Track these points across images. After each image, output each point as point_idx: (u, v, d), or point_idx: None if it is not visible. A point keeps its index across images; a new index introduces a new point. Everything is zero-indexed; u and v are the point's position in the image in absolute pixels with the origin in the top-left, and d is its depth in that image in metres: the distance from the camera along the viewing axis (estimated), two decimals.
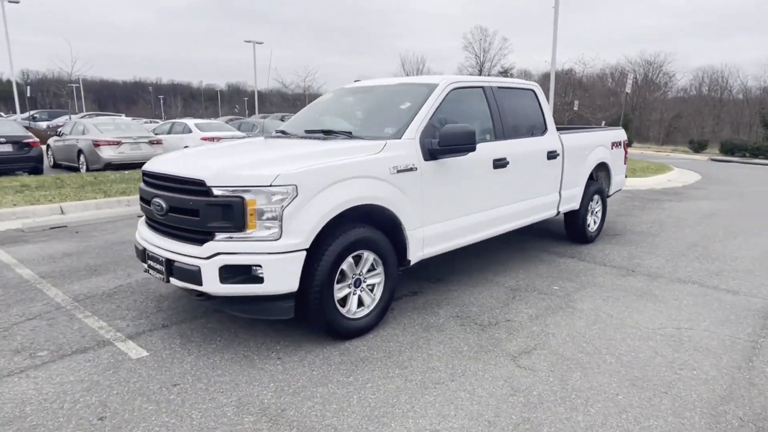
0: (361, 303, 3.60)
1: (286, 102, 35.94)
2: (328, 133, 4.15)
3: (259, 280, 3.12)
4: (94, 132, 12.81)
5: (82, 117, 21.67)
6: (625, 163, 7.08)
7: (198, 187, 3.19)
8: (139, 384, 2.94)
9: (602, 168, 6.42)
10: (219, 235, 3.16)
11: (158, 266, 3.46)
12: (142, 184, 3.82)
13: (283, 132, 4.70)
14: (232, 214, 3.10)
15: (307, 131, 4.38)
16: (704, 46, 71.98)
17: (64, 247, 5.98)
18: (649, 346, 3.51)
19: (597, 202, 6.40)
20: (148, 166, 3.78)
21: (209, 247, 3.15)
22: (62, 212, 7.77)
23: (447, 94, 4.24)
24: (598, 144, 6.25)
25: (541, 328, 3.80)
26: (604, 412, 2.71)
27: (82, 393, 2.84)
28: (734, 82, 41.49)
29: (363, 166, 3.49)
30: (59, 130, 15.81)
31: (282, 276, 3.12)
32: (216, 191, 3.12)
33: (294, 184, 3.12)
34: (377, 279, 3.66)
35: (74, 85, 41.67)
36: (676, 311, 4.16)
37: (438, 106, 4.11)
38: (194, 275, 3.18)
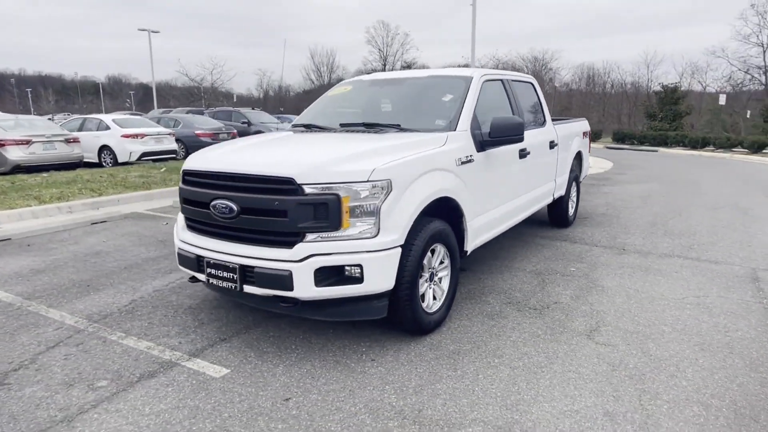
0: (433, 297, 3.58)
1: (193, 96, 33.60)
2: (371, 126, 4.04)
3: (358, 280, 2.99)
4: None
5: None
6: (589, 152, 7.68)
7: (286, 185, 2.96)
8: (247, 403, 2.69)
9: (577, 156, 6.91)
10: (309, 236, 2.97)
11: (226, 274, 3.17)
12: (186, 186, 3.45)
13: (307, 126, 4.47)
14: (326, 212, 2.94)
15: (343, 124, 4.22)
16: (582, 45, 79.44)
17: (27, 263, 5.19)
18: (688, 314, 3.90)
19: (574, 188, 6.89)
20: (197, 165, 3.42)
21: (301, 249, 2.95)
22: None
23: (481, 86, 4.33)
24: (576, 134, 6.73)
25: (589, 306, 4.06)
26: (699, 375, 2.99)
27: (191, 421, 2.54)
28: (615, 78, 46.43)
29: (438, 158, 3.47)
30: None
31: (381, 274, 3.02)
32: (307, 189, 2.93)
33: (389, 179, 3.03)
34: (445, 272, 3.66)
35: None
36: (685, 282, 4.65)
37: (478, 98, 4.19)
38: (284, 280, 2.96)
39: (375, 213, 2.99)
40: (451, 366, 3.10)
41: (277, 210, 2.97)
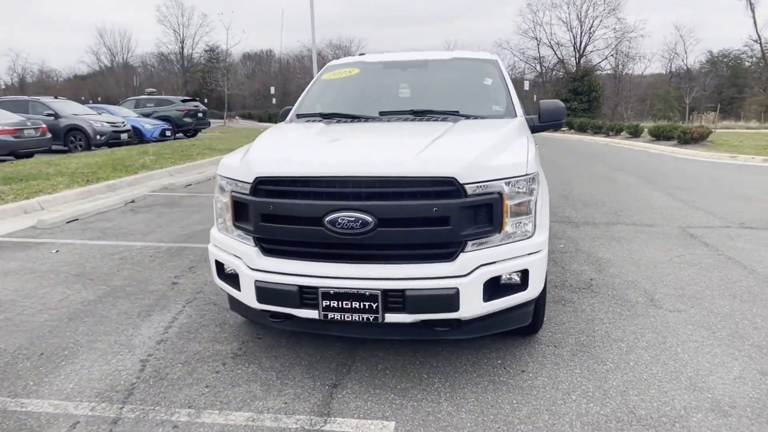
0: None
1: None
2: (420, 114, 3.59)
3: (521, 287, 2.67)
4: None
5: None
6: None
7: (446, 187, 2.45)
8: None
9: None
10: (468, 244, 2.53)
11: (360, 304, 2.51)
12: (270, 198, 2.60)
13: (327, 115, 3.76)
14: (490, 215, 2.53)
15: (384, 112, 3.66)
16: (381, 34, 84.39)
17: None
18: (694, 272, 4.48)
19: None
20: (285, 169, 2.61)
21: (467, 260, 2.50)
22: None
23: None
24: None
25: (619, 279, 4.36)
26: None
27: None
28: None
29: (534, 147, 3.26)
30: None
31: (541, 277, 2.75)
32: (469, 190, 2.48)
33: (537, 171, 2.75)
34: None
35: None
36: (653, 245, 5.33)
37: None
38: (448, 300, 2.48)
39: (531, 211, 2.68)
40: (595, 359, 3.01)
41: (434, 218, 2.45)
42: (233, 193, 2.77)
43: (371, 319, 2.53)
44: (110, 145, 16.37)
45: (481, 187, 2.50)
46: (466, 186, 2.47)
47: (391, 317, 2.53)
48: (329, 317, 2.57)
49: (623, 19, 38.68)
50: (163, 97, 24.34)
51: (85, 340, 3.34)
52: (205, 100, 45.10)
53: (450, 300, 2.48)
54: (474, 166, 2.52)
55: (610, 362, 2.98)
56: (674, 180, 9.69)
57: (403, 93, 4.07)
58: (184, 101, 22.73)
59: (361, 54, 4.62)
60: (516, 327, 2.90)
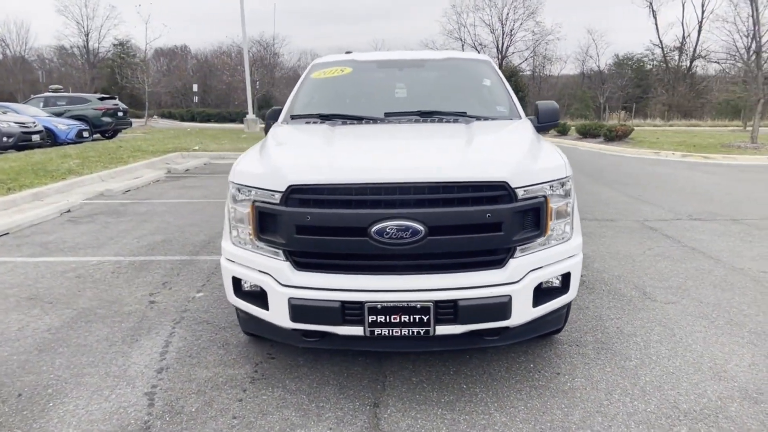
0: None
1: None
2: (427, 115, 3.49)
3: (563, 290, 2.66)
4: None
5: None
6: None
7: (498, 191, 2.37)
8: None
9: None
10: (517, 250, 2.47)
11: (410, 318, 2.38)
12: (307, 208, 2.38)
13: (326, 116, 3.55)
14: (537, 219, 2.49)
15: (389, 113, 3.50)
16: (309, 32, 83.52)
17: None
18: (669, 264, 4.74)
19: None
20: (323, 177, 2.40)
21: (517, 266, 2.44)
22: None
23: None
24: None
25: (606, 274, 4.52)
26: (758, 309, 3.70)
27: None
28: None
29: None
30: None
31: (578, 280, 2.74)
32: (520, 194, 2.41)
33: (571, 174, 2.74)
34: None
35: None
36: (620, 239, 5.60)
37: None
38: (500, 309, 2.41)
39: (570, 214, 2.67)
40: (620, 356, 3.06)
41: (487, 224, 2.35)
42: (257, 203, 2.51)
43: (422, 332, 2.39)
44: (19, 148, 14.68)
45: (528, 191, 2.45)
46: (517, 190, 2.40)
47: (441, 329, 2.41)
48: (375, 333, 2.40)
49: (541, 23, 41.10)
50: (78, 94, 22.26)
51: (68, 374, 2.90)
52: (116, 98, 42.34)
53: (503, 308, 2.40)
54: (521, 170, 2.46)
55: (635, 358, 3.04)
56: (613, 175, 10.31)
57: (403, 93, 3.93)
58: (101, 99, 20.91)
59: (347, 52, 4.42)
60: (552, 330, 2.88)
